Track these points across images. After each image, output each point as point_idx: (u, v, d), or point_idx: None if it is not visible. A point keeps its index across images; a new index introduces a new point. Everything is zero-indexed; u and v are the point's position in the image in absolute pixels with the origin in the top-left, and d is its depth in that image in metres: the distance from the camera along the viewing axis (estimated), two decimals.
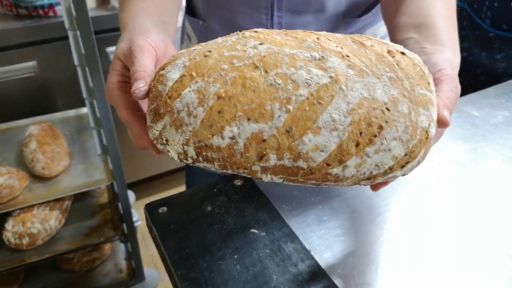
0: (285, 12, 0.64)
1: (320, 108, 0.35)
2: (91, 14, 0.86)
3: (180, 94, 0.37)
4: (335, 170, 0.36)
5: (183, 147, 0.37)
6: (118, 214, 1.15)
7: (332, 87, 0.36)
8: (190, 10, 0.77)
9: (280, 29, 0.65)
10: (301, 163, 0.36)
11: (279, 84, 0.36)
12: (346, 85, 0.36)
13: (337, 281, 0.48)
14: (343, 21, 0.67)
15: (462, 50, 1.09)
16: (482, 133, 0.73)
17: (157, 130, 0.37)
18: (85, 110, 1.30)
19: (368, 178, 0.37)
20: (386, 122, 0.35)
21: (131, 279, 1.27)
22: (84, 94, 1.02)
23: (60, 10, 1.29)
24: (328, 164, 0.36)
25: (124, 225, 1.17)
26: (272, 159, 0.36)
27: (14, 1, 1.25)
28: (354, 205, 0.59)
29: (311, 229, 0.55)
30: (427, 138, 0.37)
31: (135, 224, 1.20)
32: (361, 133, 0.35)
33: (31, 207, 1.02)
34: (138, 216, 1.21)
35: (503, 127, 0.74)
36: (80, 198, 1.18)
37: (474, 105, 0.81)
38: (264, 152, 0.36)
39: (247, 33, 0.40)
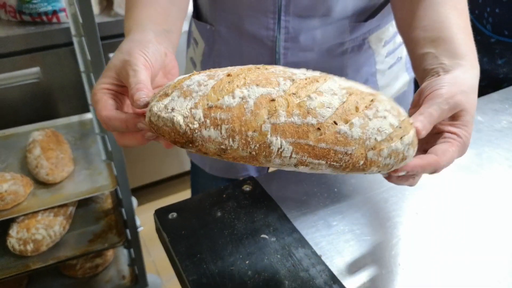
0: (292, 16, 0.64)
1: (318, 84, 0.39)
2: (95, 20, 0.86)
3: (190, 77, 0.39)
4: (343, 128, 0.37)
5: (191, 111, 0.36)
6: (122, 220, 1.15)
7: (325, 77, 0.40)
8: (197, 14, 0.78)
9: (287, 33, 0.66)
10: (310, 119, 0.37)
11: (280, 71, 0.40)
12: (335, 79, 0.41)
13: (348, 286, 0.48)
14: (349, 26, 0.68)
15: None
16: (486, 138, 0.74)
17: (163, 104, 0.37)
18: (88, 115, 1.30)
19: (373, 148, 0.38)
20: (374, 99, 0.40)
21: (134, 285, 1.27)
22: (89, 100, 1.02)
23: (64, 16, 1.29)
24: (335, 123, 0.37)
25: (128, 231, 1.17)
26: (282, 116, 0.37)
27: (18, 8, 1.25)
28: (363, 210, 0.59)
29: (321, 234, 0.56)
30: (411, 124, 0.41)
31: (138, 230, 1.20)
32: (357, 102, 0.39)
33: (35, 213, 1.02)
34: (140, 222, 1.21)
35: (507, 132, 0.75)
36: (84, 204, 1.18)
37: (478, 110, 0.81)
38: (274, 109, 0.37)
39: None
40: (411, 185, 0.48)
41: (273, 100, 0.37)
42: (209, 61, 0.77)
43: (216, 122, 0.36)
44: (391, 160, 0.40)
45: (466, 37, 0.52)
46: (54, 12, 1.28)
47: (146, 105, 0.40)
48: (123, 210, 1.14)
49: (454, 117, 0.46)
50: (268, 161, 0.38)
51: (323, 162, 0.38)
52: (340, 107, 0.38)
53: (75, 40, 0.94)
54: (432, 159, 0.43)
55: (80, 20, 0.85)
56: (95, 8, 1.38)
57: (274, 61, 0.69)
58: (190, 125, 0.36)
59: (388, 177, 0.45)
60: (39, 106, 1.37)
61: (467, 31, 0.53)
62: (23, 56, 1.28)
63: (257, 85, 0.38)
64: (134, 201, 1.48)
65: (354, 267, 0.51)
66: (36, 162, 1.04)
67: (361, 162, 0.39)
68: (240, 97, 0.37)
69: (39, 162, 1.04)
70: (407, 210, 0.59)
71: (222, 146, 0.37)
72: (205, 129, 0.36)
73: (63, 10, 1.28)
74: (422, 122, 0.43)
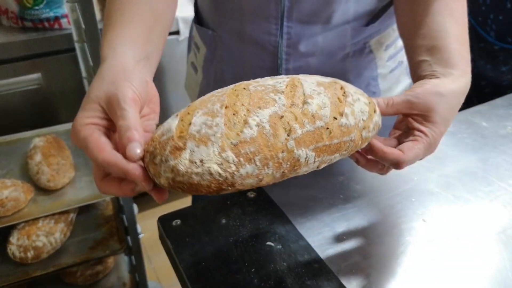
0: (295, 22, 0.64)
1: (299, 88, 0.42)
2: (98, 26, 0.86)
3: (190, 123, 0.38)
4: (343, 120, 0.41)
5: (221, 155, 0.36)
6: (123, 226, 1.14)
7: (294, 79, 0.43)
8: (199, 19, 0.78)
9: (289, 38, 0.65)
10: (318, 123, 0.40)
11: (261, 87, 0.41)
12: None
13: None
14: (350, 31, 0.67)
15: None
16: (492, 144, 0.73)
17: (186, 159, 0.36)
18: None
19: (364, 127, 0.44)
20: (342, 86, 0.45)
21: None
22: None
23: (65, 22, 1.29)
24: (335, 118, 0.41)
25: (129, 238, 1.16)
26: (298, 129, 0.39)
27: (20, 14, 1.25)
28: (369, 216, 0.59)
29: (327, 241, 0.55)
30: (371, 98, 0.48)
31: (139, 237, 1.19)
32: (335, 93, 0.43)
33: (36, 220, 1.01)
34: (141, 228, 1.20)
35: None
36: (85, 210, 1.17)
37: (482, 116, 0.81)
38: (288, 124, 0.38)
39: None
40: (381, 173, 0.51)
41: (282, 117, 0.39)
42: (211, 66, 0.77)
43: (248, 157, 0.37)
44: (375, 131, 0.46)
45: (460, 46, 0.54)
46: (56, 18, 1.28)
47: (141, 158, 0.38)
48: (124, 216, 1.13)
49: (425, 117, 0.49)
50: (296, 173, 0.41)
51: (337, 154, 0.42)
52: (331, 103, 0.42)
53: (77, 46, 0.94)
54: (395, 152, 0.46)
55: (83, 25, 0.85)
56: (97, 14, 1.38)
57: (276, 66, 0.69)
58: (228, 170, 0.36)
59: (358, 161, 0.50)
60: (40, 112, 1.37)
61: (462, 39, 0.55)
62: (25, 62, 1.27)
63: (259, 107, 0.39)
64: (135, 207, 1.47)
65: (360, 275, 0.51)
66: (37, 169, 1.03)
67: (360, 142, 0.44)
68: (256, 125, 0.37)
69: (40, 169, 1.03)
70: (414, 216, 0.59)
71: (260, 177, 0.38)
72: (242, 167, 0.36)
73: (65, 16, 1.28)
74: (381, 99, 0.48)
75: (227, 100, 0.39)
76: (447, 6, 0.56)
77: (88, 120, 0.40)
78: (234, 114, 0.38)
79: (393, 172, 0.66)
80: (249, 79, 0.72)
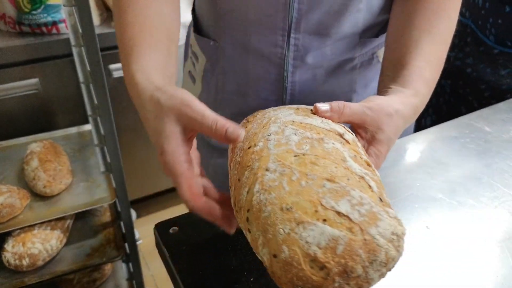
0: (302, 34, 0.62)
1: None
2: (95, 31, 0.85)
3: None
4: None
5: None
6: (121, 233, 1.12)
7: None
8: (198, 29, 0.74)
9: (296, 50, 0.64)
10: None
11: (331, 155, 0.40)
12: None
13: None
14: (360, 41, 0.66)
15: (467, 66, 1.09)
16: (495, 149, 0.72)
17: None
18: (87, 127, 1.28)
19: None
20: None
21: None
22: (89, 111, 1.01)
23: (63, 27, 1.29)
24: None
25: (126, 245, 1.14)
26: None
27: (18, 19, 1.24)
28: None
29: None
30: None
31: (137, 243, 1.17)
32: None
33: (31, 226, 1.00)
34: (139, 235, 1.19)
35: None
36: (82, 216, 1.15)
37: (485, 120, 0.80)
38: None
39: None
40: None
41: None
42: (212, 78, 0.73)
43: None
44: None
45: (424, 65, 0.52)
46: (54, 23, 1.27)
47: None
48: (122, 223, 1.12)
49: (372, 133, 0.48)
50: None
51: None
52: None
53: (74, 50, 0.93)
54: None
55: (80, 30, 0.84)
56: (96, 20, 1.38)
57: (281, 78, 0.66)
58: None
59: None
60: (37, 117, 1.36)
61: (432, 57, 0.54)
62: (22, 67, 1.27)
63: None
64: (133, 213, 1.46)
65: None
66: (34, 174, 1.02)
67: None
68: None
69: (36, 174, 1.02)
70: (417, 223, 0.57)
71: None
72: None
73: (63, 21, 1.27)
74: (336, 103, 0.46)
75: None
76: (428, 21, 0.55)
77: (182, 157, 0.41)
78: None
79: (395, 178, 0.64)
80: (253, 91, 0.70)
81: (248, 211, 0.36)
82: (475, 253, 0.53)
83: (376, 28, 0.66)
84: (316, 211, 0.35)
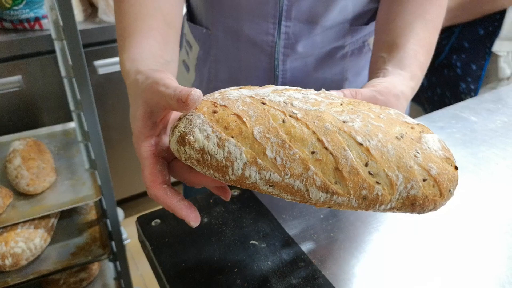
0: (293, 21, 0.62)
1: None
2: (79, 27, 0.83)
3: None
4: None
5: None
6: (107, 231, 1.10)
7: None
8: (191, 17, 0.74)
9: (287, 38, 0.63)
10: None
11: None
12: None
13: None
14: (350, 29, 0.66)
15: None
16: (481, 138, 0.72)
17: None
18: (71, 125, 1.26)
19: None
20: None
21: None
22: (72, 107, 0.99)
23: (46, 23, 1.26)
24: None
25: (113, 243, 1.12)
26: None
27: None
28: (358, 212, 0.56)
29: (313, 239, 0.53)
30: None
31: (125, 242, 1.15)
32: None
33: (14, 225, 0.97)
34: (127, 234, 1.17)
35: (502, 131, 0.73)
36: (67, 215, 1.13)
37: (471, 110, 0.80)
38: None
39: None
40: None
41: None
42: (204, 66, 0.73)
43: None
44: None
45: (419, 48, 0.52)
46: (37, 19, 1.25)
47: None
48: (108, 221, 1.10)
49: None
50: None
51: None
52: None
53: (56, 44, 0.91)
54: None
55: (61, 23, 0.82)
56: (79, 15, 1.36)
57: (272, 67, 0.66)
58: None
59: None
60: (20, 115, 1.33)
61: (425, 42, 0.53)
62: (4, 64, 1.24)
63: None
64: (120, 212, 1.44)
65: (348, 273, 0.48)
66: (16, 172, 0.99)
67: None
68: None
69: (19, 172, 0.99)
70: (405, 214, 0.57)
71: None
72: None
73: (46, 17, 1.25)
74: (348, 91, 0.43)
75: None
76: (421, 7, 0.55)
77: (144, 134, 0.39)
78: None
79: None
80: (245, 79, 0.69)
81: (366, 165, 0.35)
82: (461, 241, 0.53)
83: (366, 16, 0.66)
84: (412, 127, 0.38)
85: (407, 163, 0.35)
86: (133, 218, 1.93)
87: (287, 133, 0.35)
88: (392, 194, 0.35)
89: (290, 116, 0.36)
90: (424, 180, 0.36)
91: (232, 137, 0.35)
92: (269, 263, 0.48)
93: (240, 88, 0.41)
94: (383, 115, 0.38)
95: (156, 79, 0.38)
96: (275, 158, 0.34)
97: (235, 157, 0.34)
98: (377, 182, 0.35)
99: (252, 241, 0.51)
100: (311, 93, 0.40)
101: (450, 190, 0.38)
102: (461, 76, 1.05)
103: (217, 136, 0.35)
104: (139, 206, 1.83)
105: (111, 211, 1.06)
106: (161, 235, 0.53)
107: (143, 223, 0.55)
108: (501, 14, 0.97)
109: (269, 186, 0.35)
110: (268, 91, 0.39)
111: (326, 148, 0.35)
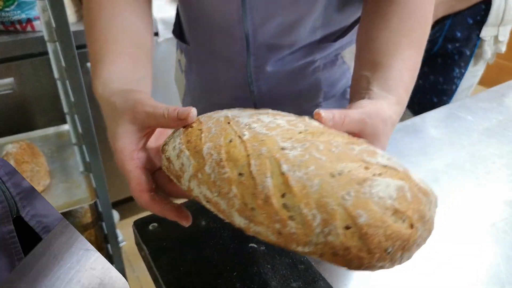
0: (259, 45, 0.63)
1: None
2: (72, 28, 0.83)
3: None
4: None
5: None
6: (102, 234, 1.10)
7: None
8: (180, 31, 0.76)
9: (256, 59, 0.64)
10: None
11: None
12: None
13: None
14: (319, 46, 0.65)
15: None
16: (477, 137, 0.72)
17: None
18: (65, 127, 1.25)
19: None
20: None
21: None
22: (65, 109, 0.98)
23: (39, 25, 1.25)
24: None
25: (109, 246, 1.11)
26: None
27: None
28: None
29: None
30: None
31: (120, 245, 1.14)
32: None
33: None
34: (123, 236, 1.16)
35: (498, 130, 0.73)
36: None
37: (467, 109, 0.80)
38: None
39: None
40: None
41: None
42: (190, 75, 0.76)
43: None
44: None
45: (404, 68, 0.50)
46: (29, 20, 1.23)
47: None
48: (103, 224, 1.09)
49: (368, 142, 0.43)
50: None
51: None
52: None
53: (49, 46, 0.90)
54: None
55: (53, 24, 0.81)
56: (72, 17, 1.34)
57: (247, 82, 0.67)
58: None
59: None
60: (13, 118, 1.31)
61: (410, 62, 0.51)
62: None
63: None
64: (116, 214, 1.43)
65: (348, 275, 0.48)
66: None
67: None
68: None
69: None
70: None
71: None
72: None
73: (38, 18, 1.24)
74: (337, 114, 0.39)
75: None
76: (405, 25, 0.53)
77: (128, 150, 0.40)
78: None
79: None
80: (223, 95, 0.70)
81: (283, 196, 0.31)
82: (459, 240, 0.53)
83: (335, 35, 0.66)
84: (367, 167, 0.32)
85: (330, 203, 0.30)
86: (129, 220, 1.92)
87: (227, 152, 0.34)
88: (307, 236, 0.30)
89: (239, 136, 0.35)
90: (347, 228, 0.29)
91: (188, 150, 0.36)
92: (269, 266, 0.48)
93: (239, 109, 0.41)
94: (338, 149, 0.33)
95: (137, 100, 0.41)
96: (210, 175, 0.34)
97: (186, 169, 0.36)
98: (291, 218, 0.31)
99: (251, 244, 0.51)
100: (288, 119, 0.38)
101: (387, 250, 0.30)
102: (456, 62, 1.12)
103: (180, 147, 0.37)
104: (134, 208, 1.82)
105: (106, 214, 1.05)
106: (159, 239, 0.52)
107: (140, 227, 0.54)
108: (486, 4, 1.05)
109: (206, 201, 0.35)
110: (246, 113, 0.39)
111: (251, 172, 0.32)
